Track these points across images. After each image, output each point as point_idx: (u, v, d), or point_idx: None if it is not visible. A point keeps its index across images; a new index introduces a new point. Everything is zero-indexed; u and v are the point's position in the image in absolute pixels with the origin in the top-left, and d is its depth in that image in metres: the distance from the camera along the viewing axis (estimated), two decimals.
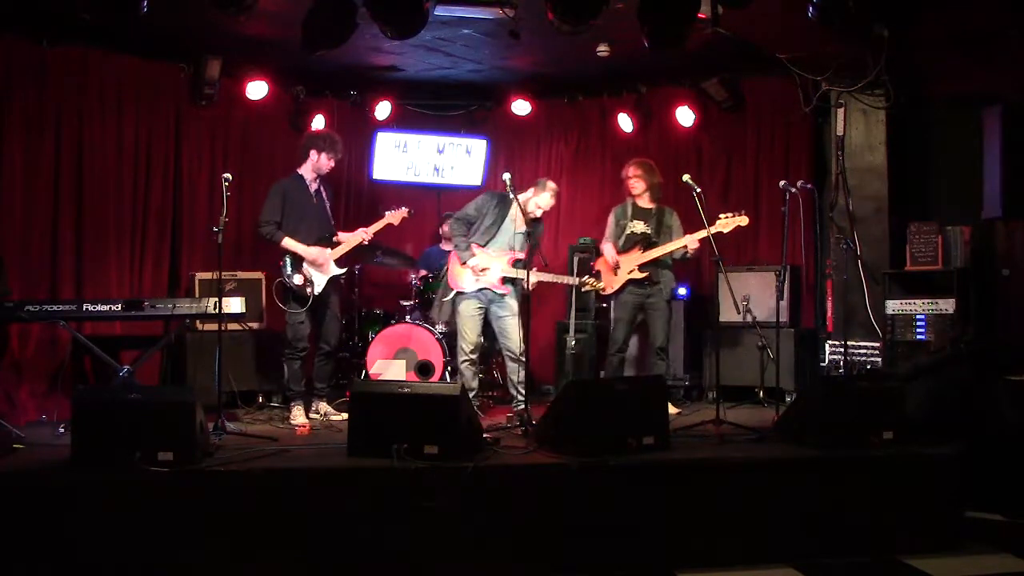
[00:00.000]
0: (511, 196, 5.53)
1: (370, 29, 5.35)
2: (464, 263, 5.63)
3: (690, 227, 5.97)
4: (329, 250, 5.62)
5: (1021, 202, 5.66)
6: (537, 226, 5.71)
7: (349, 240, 5.73)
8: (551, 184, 5.68)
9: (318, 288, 5.54)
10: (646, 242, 5.99)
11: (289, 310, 5.55)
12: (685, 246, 5.87)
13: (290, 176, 5.73)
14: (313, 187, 5.70)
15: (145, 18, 4.65)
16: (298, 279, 5.49)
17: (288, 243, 5.50)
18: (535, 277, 5.46)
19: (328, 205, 5.77)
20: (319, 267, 5.55)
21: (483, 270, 5.59)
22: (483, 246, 5.67)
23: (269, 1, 5.17)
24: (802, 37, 5.62)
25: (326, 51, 5.08)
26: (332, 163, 5.70)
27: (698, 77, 7.01)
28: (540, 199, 5.62)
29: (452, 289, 5.70)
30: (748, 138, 7.20)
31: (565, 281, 5.99)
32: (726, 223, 5.70)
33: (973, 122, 5.97)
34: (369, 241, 5.85)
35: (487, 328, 5.78)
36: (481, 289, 5.63)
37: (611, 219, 6.20)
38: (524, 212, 5.55)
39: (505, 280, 5.61)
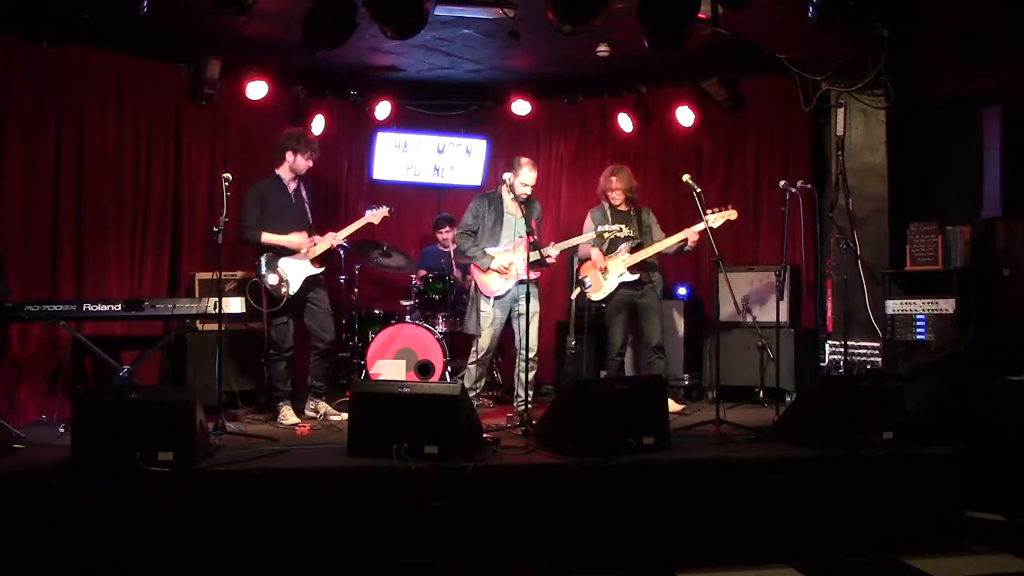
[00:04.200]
0: (498, 191, 5.79)
1: (370, 29, 5.35)
2: (487, 269, 5.69)
3: (688, 225, 5.98)
4: (306, 236, 5.58)
5: (1021, 202, 5.66)
6: (532, 205, 5.84)
7: (319, 245, 5.66)
8: (523, 159, 5.81)
9: (293, 288, 5.50)
10: (632, 243, 6.00)
11: (264, 311, 5.54)
12: (685, 240, 5.85)
13: (268, 178, 5.71)
14: (291, 187, 5.67)
15: (145, 18, 4.65)
16: (273, 279, 5.47)
17: (268, 237, 5.48)
18: (556, 249, 5.64)
19: (307, 204, 5.74)
20: (299, 259, 5.51)
21: (508, 266, 5.67)
22: (495, 246, 5.79)
23: (269, 1, 5.17)
24: (802, 37, 5.62)
25: (326, 51, 5.08)
26: (310, 163, 5.67)
27: (698, 77, 7.01)
28: (522, 177, 5.72)
29: (490, 297, 5.76)
30: (748, 138, 7.21)
31: (584, 240, 5.93)
32: (715, 218, 5.69)
33: (973, 122, 5.96)
34: (342, 242, 5.82)
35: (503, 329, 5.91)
36: (511, 289, 5.72)
37: (590, 224, 6.15)
38: (516, 197, 5.68)
39: (532, 264, 5.62)
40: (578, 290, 6.13)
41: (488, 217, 5.79)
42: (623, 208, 6.14)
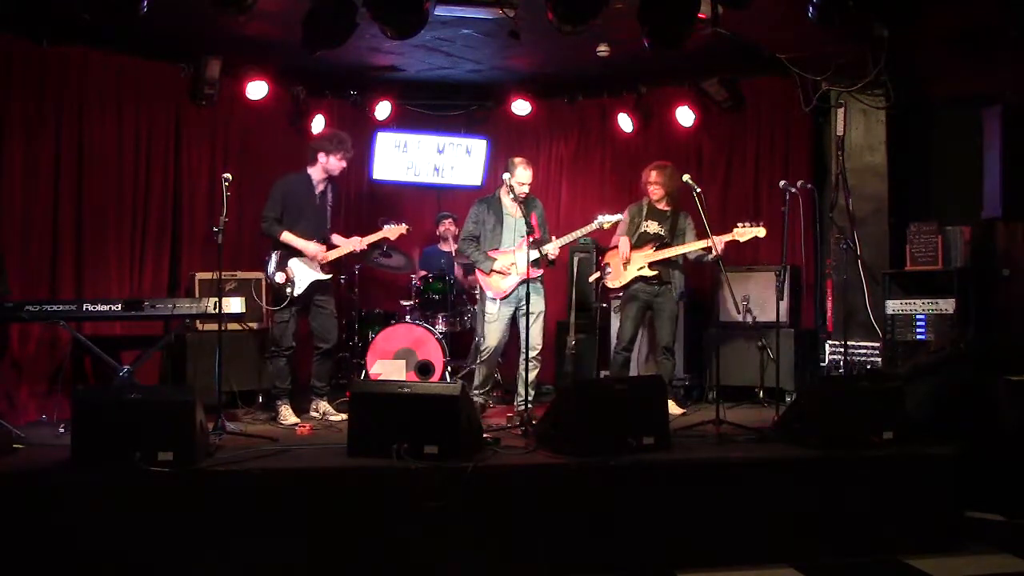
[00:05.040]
0: (496, 194, 5.84)
1: (370, 29, 5.36)
2: (491, 271, 5.73)
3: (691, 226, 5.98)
4: (324, 248, 5.58)
5: (1021, 202, 5.67)
6: (531, 204, 5.85)
7: (343, 246, 5.69)
8: (517, 159, 5.81)
9: (298, 289, 5.50)
10: (658, 242, 6.01)
11: (271, 308, 5.55)
12: (709, 248, 5.75)
13: (297, 173, 5.70)
14: (320, 188, 5.67)
15: (145, 18, 4.65)
16: (280, 277, 5.47)
17: (287, 237, 5.48)
18: (555, 245, 5.64)
19: (330, 208, 5.74)
20: (311, 266, 5.52)
21: (510, 267, 5.70)
22: (498, 249, 5.80)
23: (269, 1, 5.17)
24: (802, 37, 5.62)
25: (326, 51, 5.08)
26: (343, 163, 5.65)
27: (698, 77, 7.02)
28: (518, 177, 5.71)
29: (496, 299, 5.75)
30: (748, 138, 7.21)
31: (584, 232, 5.90)
32: (743, 232, 5.67)
33: (973, 122, 5.97)
34: (365, 249, 5.84)
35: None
36: (516, 288, 5.71)
37: (626, 215, 6.18)
38: (516, 198, 5.70)
39: (534, 263, 5.65)
40: (598, 274, 6.22)
41: (488, 220, 5.82)
42: (662, 207, 6.12)
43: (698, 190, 5.32)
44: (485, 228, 5.83)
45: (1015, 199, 5.66)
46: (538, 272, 5.74)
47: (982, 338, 5.71)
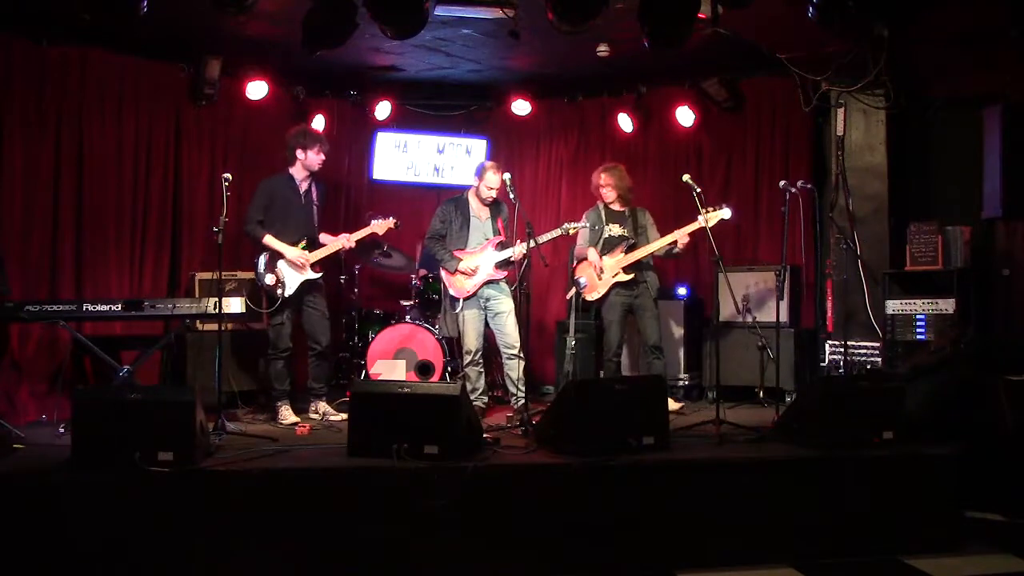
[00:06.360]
0: (464, 195, 5.95)
1: (370, 29, 5.35)
2: (455, 271, 5.77)
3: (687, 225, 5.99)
4: (309, 253, 5.57)
5: (1021, 202, 5.66)
6: (498, 209, 5.95)
7: (331, 245, 5.69)
8: (487, 163, 5.93)
9: (289, 290, 5.48)
10: (626, 244, 6.01)
11: (260, 310, 5.54)
12: (674, 242, 5.86)
13: (279, 175, 5.70)
14: (303, 187, 5.66)
15: (145, 18, 4.65)
16: (269, 279, 5.46)
17: (269, 241, 5.48)
18: (522, 248, 5.61)
19: (316, 206, 5.73)
20: (297, 268, 5.51)
21: (475, 268, 5.75)
22: (464, 249, 5.87)
23: (269, 1, 5.17)
24: (802, 37, 5.62)
25: (326, 51, 5.08)
26: (321, 156, 5.64)
27: (698, 77, 7.02)
28: (486, 181, 5.79)
29: (459, 299, 5.80)
30: (748, 138, 7.20)
31: (550, 238, 5.89)
32: (710, 216, 5.60)
33: (973, 122, 5.96)
34: (353, 246, 5.83)
35: (486, 329, 5.94)
36: (480, 288, 5.79)
37: (584, 223, 6.10)
38: (481, 201, 5.85)
39: (499, 265, 5.80)
40: (573, 290, 6.18)
41: (455, 221, 5.89)
42: (617, 207, 6.14)
43: (698, 190, 5.32)
44: (452, 228, 5.89)
45: (1015, 199, 5.65)
46: (502, 274, 5.82)
47: (982, 338, 5.71)
